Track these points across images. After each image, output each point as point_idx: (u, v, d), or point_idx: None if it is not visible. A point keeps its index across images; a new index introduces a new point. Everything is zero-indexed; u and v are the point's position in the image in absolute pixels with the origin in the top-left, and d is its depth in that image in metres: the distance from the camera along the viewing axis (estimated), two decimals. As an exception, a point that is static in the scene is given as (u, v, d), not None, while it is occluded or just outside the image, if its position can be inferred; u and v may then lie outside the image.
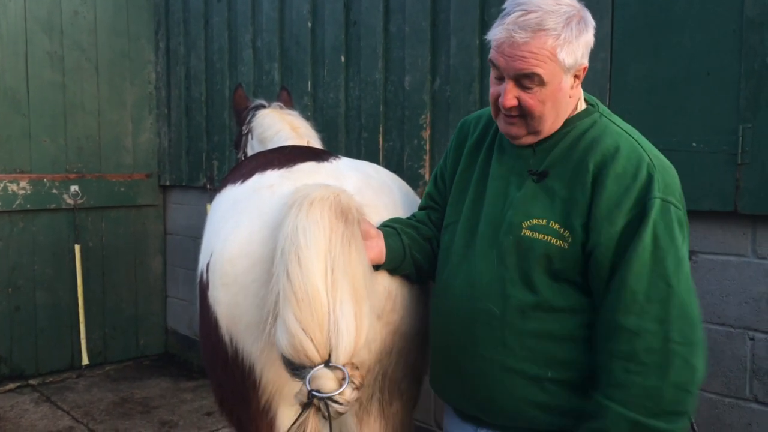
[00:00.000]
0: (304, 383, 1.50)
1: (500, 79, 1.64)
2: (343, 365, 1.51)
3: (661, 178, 1.56)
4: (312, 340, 1.49)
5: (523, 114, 1.64)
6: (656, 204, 1.52)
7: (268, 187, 1.90)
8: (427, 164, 3.61)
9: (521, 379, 1.63)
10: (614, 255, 1.54)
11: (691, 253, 2.55)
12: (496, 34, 1.60)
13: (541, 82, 1.58)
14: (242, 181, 2.00)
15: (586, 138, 1.66)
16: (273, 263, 1.64)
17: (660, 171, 1.58)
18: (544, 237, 1.61)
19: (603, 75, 2.79)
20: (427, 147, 3.61)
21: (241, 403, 1.86)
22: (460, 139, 1.97)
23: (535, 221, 1.64)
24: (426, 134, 3.61)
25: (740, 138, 2.43)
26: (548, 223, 1.62)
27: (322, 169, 2.00)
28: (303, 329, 1.49)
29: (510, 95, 1.61)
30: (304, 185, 1.71)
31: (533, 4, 1.56)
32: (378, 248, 1.81)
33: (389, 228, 1.90)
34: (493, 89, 1.67)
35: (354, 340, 1.53)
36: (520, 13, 1.55)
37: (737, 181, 2.44)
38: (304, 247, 1.53)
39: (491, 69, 1.67)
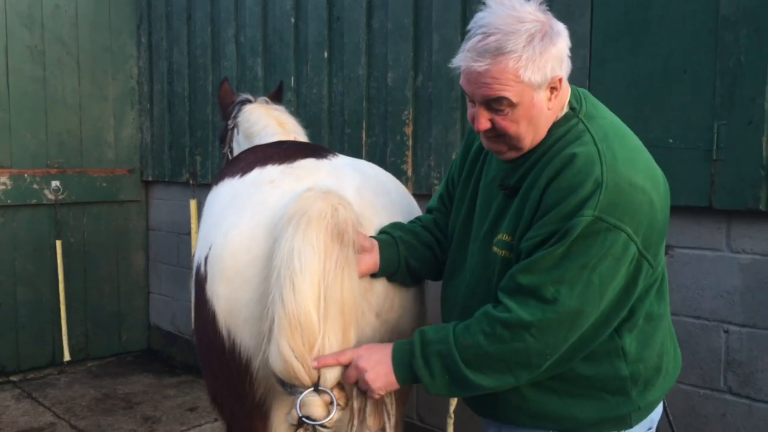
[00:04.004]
0: (295, 407, 1.63)
1: (474, 102, 1.63)
2: (331, 389, 1.63)
3: (606, 197, 1.47)
4: (303, 366, 1.60)
5: (500, 134, 1.62)
6: (583, 222, 1.46)
7: (269, 182, 1.91)
8: (409, 160, 3.65)
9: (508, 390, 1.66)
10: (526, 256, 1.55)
11: (668, 247, 2.60)
12: (459, 61, 1.59)
13: (511, 104, 1.55)
14: (241, 175, 2.00)
15: (554, 149, 1.61)
16: (272, 262, 1.67)
17: (610, 189, 1.48)
18: (501, 252, 1.64)
19: (582, 72, 2.83)
20: (410, 143, 3.64)
21: (235, 396, 1.87)
22: (466, 146, 1.95)
23: (499, 236, 1.66)
24: (408, 130, 3.64)
25: (715, 135, 2.48)
26: (503, 236, 1.65)
27: (321, 166, 2.00)
28: (295, 356, 1.59)
29: (483, 119, 1.59)
30: (306, 191, 1.73)
31: (493, 26, 1.51)
32: (372, 261, 1.82)
33: (388, 236, 1.90)
34: (470, 111, 1.66)
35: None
36: (479, 37, 1.52)
37: (712, 177, 2.50)
38: (298, 272, 1.59)
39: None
